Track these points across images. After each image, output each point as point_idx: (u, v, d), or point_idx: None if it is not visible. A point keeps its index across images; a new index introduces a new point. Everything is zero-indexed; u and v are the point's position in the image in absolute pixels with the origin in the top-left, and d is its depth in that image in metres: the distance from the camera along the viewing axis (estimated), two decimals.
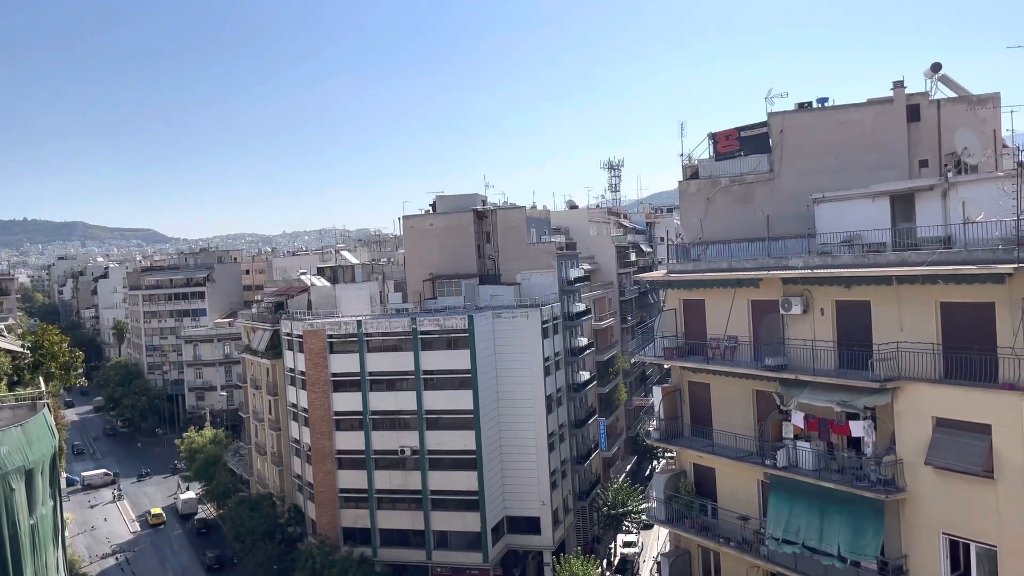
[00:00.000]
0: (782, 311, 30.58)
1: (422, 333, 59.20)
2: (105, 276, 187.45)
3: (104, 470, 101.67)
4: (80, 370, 42.99)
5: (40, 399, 26.57)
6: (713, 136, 38.34)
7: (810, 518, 28.85)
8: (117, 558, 75.55)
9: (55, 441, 23.68)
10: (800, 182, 34.27)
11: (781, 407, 30.81)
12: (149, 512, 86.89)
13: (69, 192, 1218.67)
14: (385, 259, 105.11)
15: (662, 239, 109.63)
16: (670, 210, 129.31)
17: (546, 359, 62.20)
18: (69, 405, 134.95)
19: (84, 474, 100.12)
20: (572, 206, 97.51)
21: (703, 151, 39.17)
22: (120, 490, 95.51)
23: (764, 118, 36.35)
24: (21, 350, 36.28)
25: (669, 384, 37.61)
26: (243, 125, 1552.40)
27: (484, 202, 74.64)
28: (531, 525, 60.92)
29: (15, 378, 33.81)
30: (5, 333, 46.06)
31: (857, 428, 27.97)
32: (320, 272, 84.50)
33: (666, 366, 39.78)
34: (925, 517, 26.19)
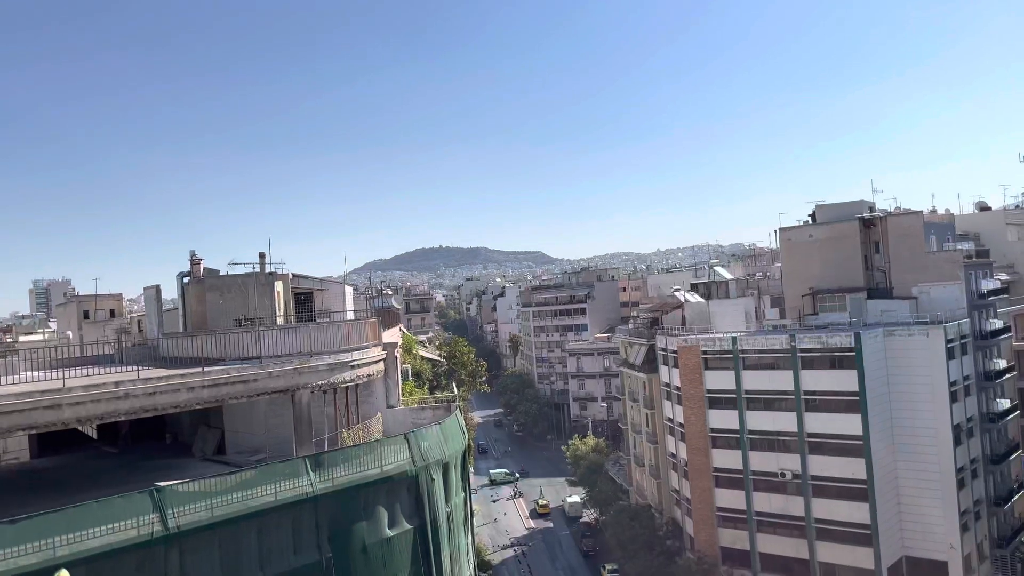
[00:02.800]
0: None
1: (802, 351, 56.06)
2: (502, 295, 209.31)
3: (505, 470, 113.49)
4: (484, 378, 48.66)
5: (453, 402, 30.64)
6: None
7: None
8: (515, 550, 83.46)
9: (465, 440, 27.07)
10: None
11: None
12: (537, 503, 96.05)
13: (474, 221, 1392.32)
14: (760, 274, 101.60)
15: None
16: None
17: (952, 383, 54.73)
18: (472, 409, 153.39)
19: (492, 472, 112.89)
20: (983, 208, 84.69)
21: None
22: (518, 489, 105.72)
23: None
24: (439, 359, 42.14)
25: None
26: (616, 151, 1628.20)
27: (871, 208, 68.37)
28: (936, 569, 53.80)
29: (434, 383, 39.48)
30: (426, 344, 54.07)
31: None
32: (694, 288, 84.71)
33: None
34: None
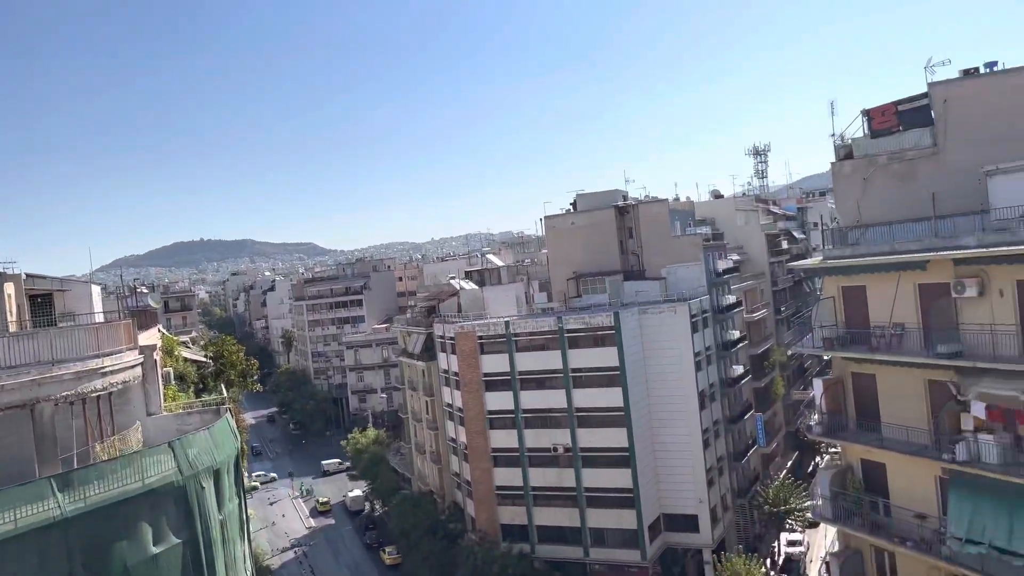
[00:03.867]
0: (954, 294, 28.39)
1: (568, 331, 59.47)
2: (272, 289, 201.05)
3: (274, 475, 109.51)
4: (255, 376, 46.49)
5: (223, 404, 28.99)
6: (867, 113, 36.13)
7: (997, 516, 26.58)
8: (296, 552, 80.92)
9: (238, 443, 25.75)
10: (968, 155, 31.63)
11: (958, 398, 28.59)
12: (318, 500, 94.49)
13: (239, 212, 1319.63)
14: (529, 260, 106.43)
15: (815, 224, 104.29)
16: (823, 194, 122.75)
17: (696, 354, 60.80)
18: (245, 410, 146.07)
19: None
20: (717, 195, 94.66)
21: (856, 129, 37.02)
22: (293, 487, 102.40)
23: (923, 89, 33.86)
24: (205, 360, 39.62)
25: (830, 376, 35.80)
26: (389, 138, 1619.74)
27: (625, 197, 73.96)
28: (689, 523, 59.75)
29: (200, 385, 37.09)
30: (190, 345, 50.60)
31: None
32: (468, 276, 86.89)
33: (826, 357, 37.92)
34: None
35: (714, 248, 71.13)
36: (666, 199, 73.19)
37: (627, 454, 57.71)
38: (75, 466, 19.84)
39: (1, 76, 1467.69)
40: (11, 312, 24.50)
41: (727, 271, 71.01)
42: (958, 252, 28.15)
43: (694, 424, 59.96)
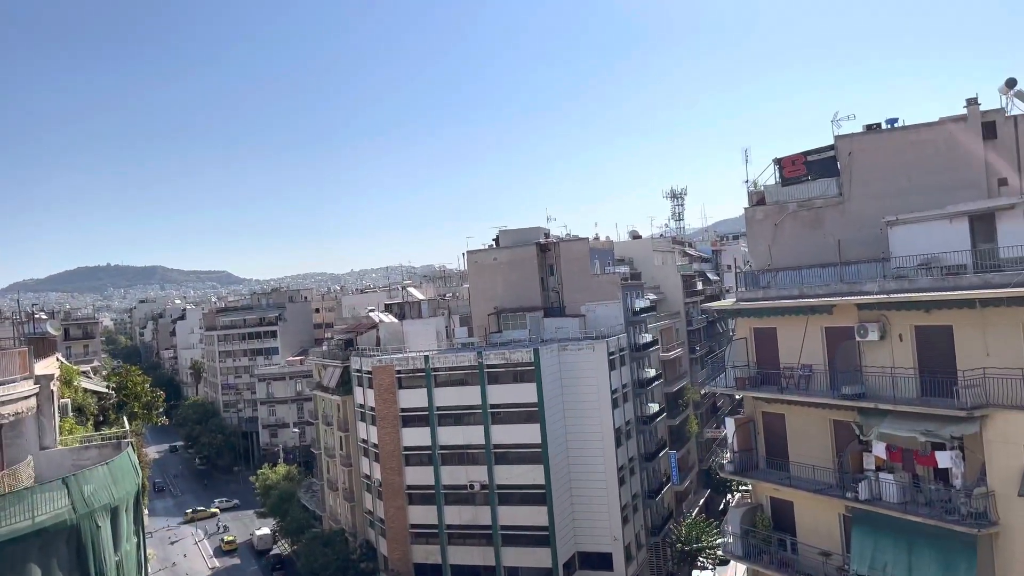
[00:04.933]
0: (858, 338, 29.64)
1: (488, 367, 59.35)
2: (183, 318, 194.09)
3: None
4: (161, 409, 44.46)
5: (124, 438, 27.54)
6: (779, 161, 37.74)
7: (897, 553, 27.58)
8: None
9: (139, 479, 24.46)
10: (871, 205, 33.36)
11: (861, 437, 29.71)
12: (223, 539, 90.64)
13: (149, 238, 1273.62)
14: (451, 294, 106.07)
15: (729, 267, 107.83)
16: (736, 237, 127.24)
17: (614, 391, 61.54)
18: (148, 444, 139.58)
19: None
20: (635, 236, 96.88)
21: (769, 177, 38.58)
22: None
23: (831, 142, 35.64)
24: (107, 391, 37.71)
25: (742, 415, 36.69)
26: (310, 168, 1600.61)
27: (547, 235, 74.85)
28: (604, 561, 59.84)
29: (101, 418, 35.17)
30: (91, 375, 48.08)
31: (944, 459, 26.73)
32: (388, 308, 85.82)
33: (738, 396, 38.92)
34: (1021, 551, 24.77)
35: (632, 287, 72.55)
36: (586, 238, 74.38)
37: (543, 491, 57.59)
38: None
39: None
40: None
41: (644, 310, 72.38)
42: (860, 297, 29.48)
43: (610, 461, 60.40)
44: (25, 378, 22.72)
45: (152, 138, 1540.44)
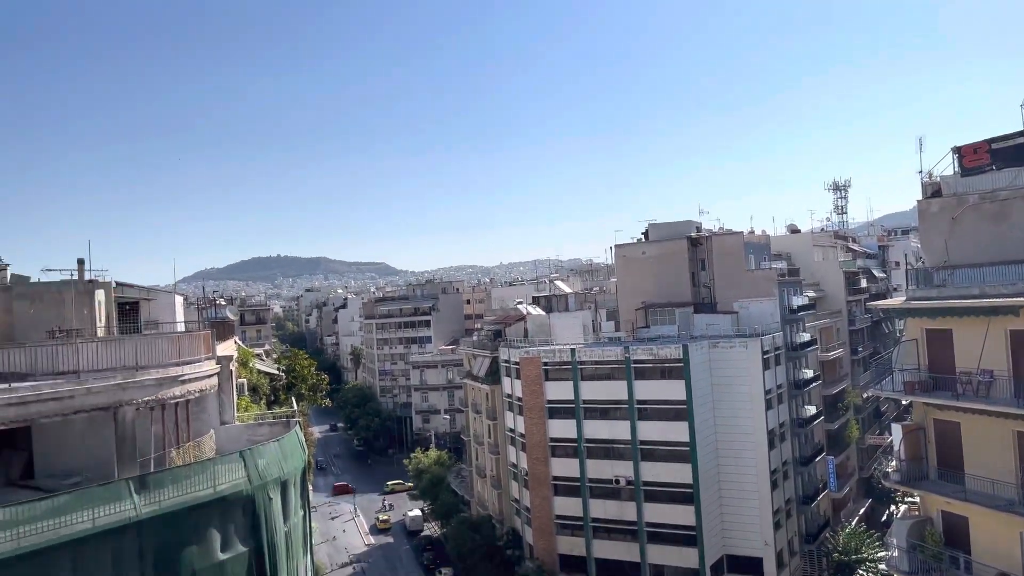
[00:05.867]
0: None
1: (635, 362, 58.73)
2: (344, 307, 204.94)
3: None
4: (325, 392, 47.30)
5: (293, 417, 29.56)
6: (958, 150, 34.85)
7: None
8: (354, 568, 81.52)
9: (305, 456, 26.16)
10: None
11: None
12: (378, 518, 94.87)
13: (314, 231, 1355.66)
14: (597, 288, 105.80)
15: (897, 264, 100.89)
16: (905, 232, 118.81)
17: (767, 391, 59.25)
18: (311, 424, 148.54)
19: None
20: (794, 230, 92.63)
21: (945, 167, 35.73)
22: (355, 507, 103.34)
23: (1019, 128, 32.50)
24: (277, 373, 40.53)
25: (910, 422, 34.29)
26: (461, 163, 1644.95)
27: (699, 229, 73.02)
28: (753, 565, 57.85)
29: (272, 397, 37.93)
30: (263, 358, 51.89)
31: None
32: (535, 301, 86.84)
33: (905, 402, 36.38)
34: None
35: (789, 283, 69.49)
36: (741, 232, 71.84)
37: (691, 490, 56.42)
38: (152, 469, 20.47)
39: (105, 95, 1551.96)
40: (100, 318, 25.56)
41: (802, 308, 69.19)
42: None
43: (762, 463, 58.28)
44: (208, 358, 24.78)
45: (320, 139, 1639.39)
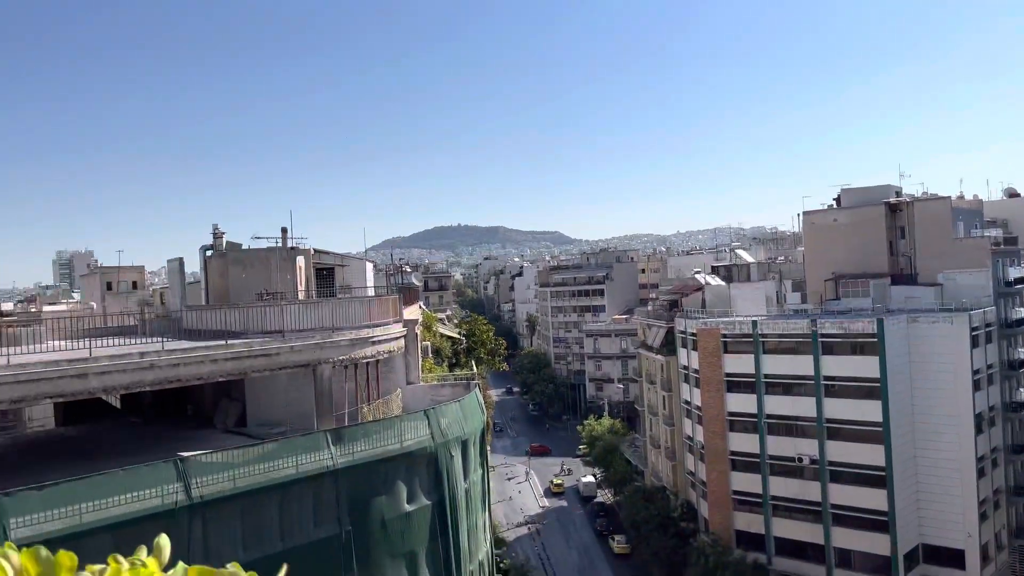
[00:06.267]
0: None
1: (823, 336, 55.59)
2: (520, 275, 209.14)
3: None
4: (503, 356, 48.65)
5: (473, 379, 30.68)
6: None
7: None
8: (528, 528, 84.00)
9: (484, 417, 27.11)
10: None
11: None
12: (552, 481, 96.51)
13: (493, 200, 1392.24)
14: (783, 258, 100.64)
15: None
16: None
17: (976, 371, 54.13)
18: (489, 387, 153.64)
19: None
20: (1012, 194, 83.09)
21: None
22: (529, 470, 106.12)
23: None
24: (459, 336, 42.19)
25: None
26: (639, 128, 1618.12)
27: (898, 193, 67.44)
28: (954, 558, 53.58)
29: (453, 360, 39.59)
30: (445, 322, 54.19)
31: None
32: (714, 271, 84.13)
33: None
34: None
35: (1006, 253, 62.83)
36: (948, 196, 65.47)
37: (883, 473, 53.01)
38: (346, 423, 22.02)
39: (315, 74, 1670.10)
40: (301, 282, 27.66)
41: (1020, 280, 62.30)
42: None
43: (967, 449, 53.53)
44: (396, 321, 26.19)
45: (501, 115, 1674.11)
